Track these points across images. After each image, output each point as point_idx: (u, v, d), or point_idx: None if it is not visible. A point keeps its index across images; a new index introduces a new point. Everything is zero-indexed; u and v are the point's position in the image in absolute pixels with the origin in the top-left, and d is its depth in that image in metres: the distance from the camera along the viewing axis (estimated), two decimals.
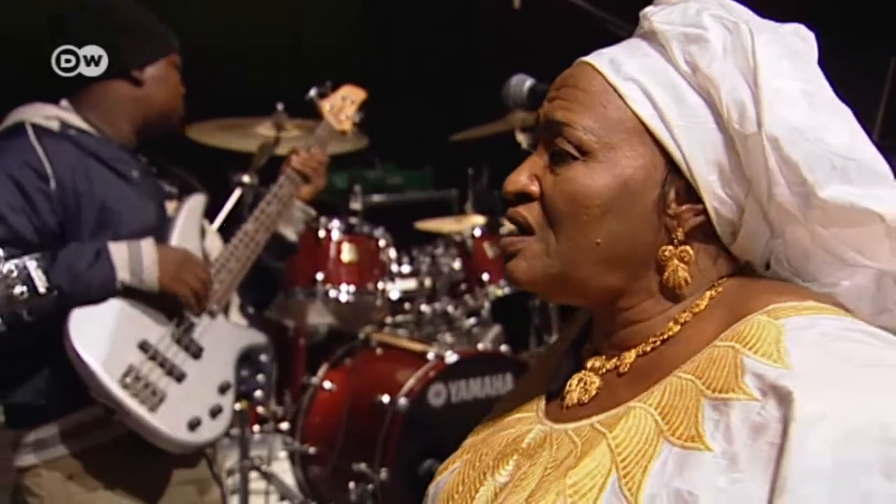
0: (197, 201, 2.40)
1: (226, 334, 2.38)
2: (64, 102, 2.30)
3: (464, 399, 3.39)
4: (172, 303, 2.25)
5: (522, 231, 1.00)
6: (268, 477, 3.51)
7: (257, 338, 2.47)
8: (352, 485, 3.26)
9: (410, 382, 3.34)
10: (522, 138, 2.37)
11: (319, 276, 3.60)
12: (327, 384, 3.58)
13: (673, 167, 0.95)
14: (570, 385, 1.03)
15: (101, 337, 2.14)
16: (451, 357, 3.41)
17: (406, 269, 3.94)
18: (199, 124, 3.56)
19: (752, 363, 0.88)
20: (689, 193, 0.96)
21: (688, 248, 0.97)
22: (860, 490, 0.81)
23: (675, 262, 0.97)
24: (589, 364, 1.03)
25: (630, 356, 0.99)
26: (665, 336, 0.98)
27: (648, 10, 1.01)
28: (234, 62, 4.83)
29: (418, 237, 4.17)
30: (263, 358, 2.52)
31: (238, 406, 2.86)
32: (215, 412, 2.27)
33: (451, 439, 1.19)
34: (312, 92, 2.80)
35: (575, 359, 1.08)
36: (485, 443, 1.06)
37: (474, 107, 3.41)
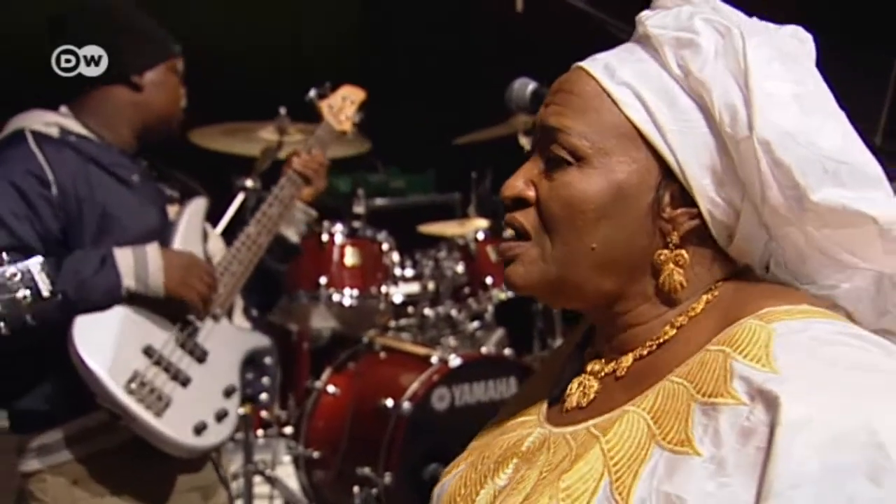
0: (198, 205, 2.40)
1: (230, 338, 2.38)
2: (63, 109, 2.30)
3: (467, 403, 3.38)
4: (176, 307, 2.25)
5: (520, 236, 1.01)
6: (271, 481, 3.50)
7: (261, 341, 2.47)
8: (356, 489, 3.25)
9: (414, 386, 3.33)
10: (525, 142, 2.37)
11: (323, 279, 3.60)
12: (331, 388, 3.57)
13: (667, 171, 0.96)
14: (571, 389, 1.03)
15: (106, 343, 2.14)
16: (454, 361, 3.41)
17: (409, 272, 3.94)
18: (203, 129, 3.55)
19: (741, 367, 0.88)
20: (684, 197, 0.96)
21: (683, 251, 0.97)
22: (846, 494, 0.81)
23: (671, 265, 0.97)
24: (589, 367, 1.03)
25: (627, 360, 0.99)
26: (661, 340, 0.98)
27: (643, 14, 1.01)
28: (234, 62, 4.82)
29: (421, 241, 4.16)
30: (268, 361, 2.52)
31: (241, 410, 2.87)
32: (221, 416, 2.28)
33: (454, 443, 1.19)
34: (312, 93, 2.78)
35: (578, 362, 1.08)
36: (488, 446, 1.07)
37: (475, 108, 3.41)
